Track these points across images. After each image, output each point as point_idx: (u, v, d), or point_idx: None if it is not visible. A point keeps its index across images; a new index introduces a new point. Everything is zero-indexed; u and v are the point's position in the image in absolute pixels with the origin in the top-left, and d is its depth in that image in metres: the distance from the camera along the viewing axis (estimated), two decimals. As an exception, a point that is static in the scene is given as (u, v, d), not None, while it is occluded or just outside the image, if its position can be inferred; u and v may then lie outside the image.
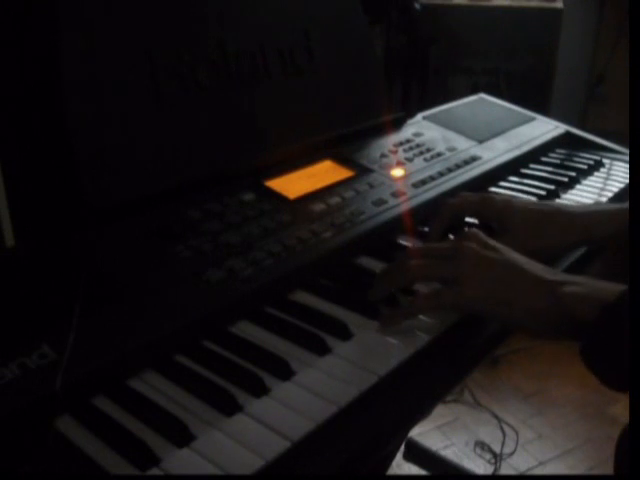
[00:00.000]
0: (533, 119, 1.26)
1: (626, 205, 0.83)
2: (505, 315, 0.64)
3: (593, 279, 0.64)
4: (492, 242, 0.69)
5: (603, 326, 0.58)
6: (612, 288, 0.60)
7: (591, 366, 0.59)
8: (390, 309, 0.67)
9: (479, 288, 0.64)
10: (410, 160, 0.99)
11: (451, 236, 0.81)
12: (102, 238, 0.69)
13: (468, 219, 0.86)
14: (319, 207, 0.82)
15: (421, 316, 0.67)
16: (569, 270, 0.79)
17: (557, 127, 1.24)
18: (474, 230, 0.71)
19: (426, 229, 0.84)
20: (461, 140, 1.09)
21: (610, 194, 1.01)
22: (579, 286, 0.62)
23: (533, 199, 0.94)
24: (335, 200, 0.84)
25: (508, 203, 0.80)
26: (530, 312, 0.63)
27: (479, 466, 1.72)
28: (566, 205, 0.87)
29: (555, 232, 0.78)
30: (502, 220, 0.80)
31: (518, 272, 0.65)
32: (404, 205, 0.87)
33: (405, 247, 0.82)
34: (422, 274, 0.68)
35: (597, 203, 0.96)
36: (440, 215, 0.82)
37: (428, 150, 1.04)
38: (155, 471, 0.48)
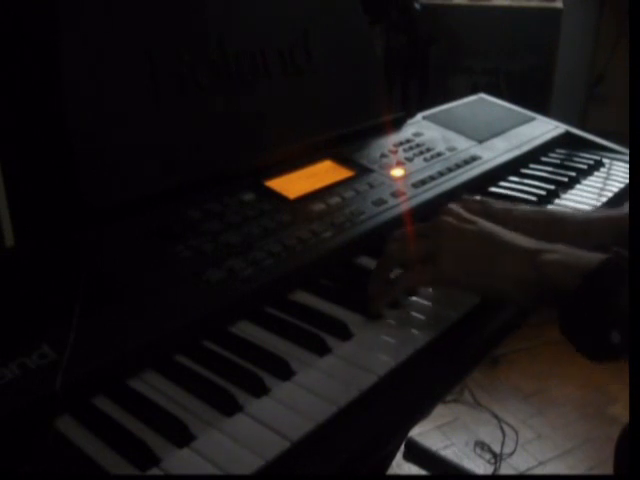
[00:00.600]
0: (533, 119, 1.26)
1: (626, 210, 0.83)
2: (485, 286, 0.65)
3: (572, 248, 0.64)
4: (469, 215, 0.69)
5: (583, 294, 0.58)
6: (593, 257, 0.61)
7: (569, 334, 0.59)
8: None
9: (458, 261, 0.65)
10: (410, 160, 0.99)
11: None
12: (102, 238, 0.69)
13: None
14: (319, 207, 0.82)
15: (421, 316, 0.67)
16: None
17: (557, 127, 1.24)
18: (451, 205, 0.71)
19: None
20: (461, 140, 1.09)
21: (610, 194, 1.01)
22: (559, 254, 0.62)
23: (534, 206, 0.94)
24: (335, 200, 0.84)
25: (508, 212, 0.80)
26: (510, 281, 0.63)
27: (479, 466, 1.72)
28: (565, 212, 0.87)
29: (553, 240, 0.78)
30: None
31: (497, 242, 0.65)
32: (404, 205, 0.87)
33: None
34: (403, 255, 0.68)
35: (597, 209, 0.96)
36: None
37: (428, 150, 1.04)
38: (155, 471, 0.48)
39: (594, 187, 1.04)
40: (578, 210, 0.94)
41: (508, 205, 0.81)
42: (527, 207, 0.84)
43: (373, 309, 0.67)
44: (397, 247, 0.68)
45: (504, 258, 0.64)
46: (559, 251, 0.63)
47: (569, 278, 0.59)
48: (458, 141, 1.09)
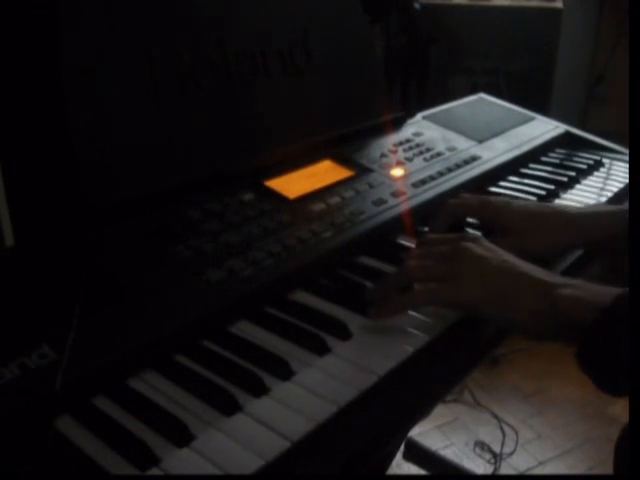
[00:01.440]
0: (533, 119, 1.26)
1: (625, 206, 0.83)
2: (500, 316, 0.64)
3: (590, 283, 0.64)
4: (490, 244, 0.69)
5: (599, 329, 0.58)
6: (609, 291, 0.60)
7: (587, 369, 0.59)
8: (383, 302, 0.67)
9: (475, 287, 0.64)
10: (410, 160, 0.99)
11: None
12: (102, 238, 0.69)
13: (469, 219, 0.86)
14: (319, 207, 0.82)
15: (421, 316, 0.67)
16: (567, 272, 0.79)
17: (557, 127, 1.24)
18: (473, 232, 0.71)
19: (426, 229, 0.84)
20: (461, 140, 1.09)
21: (610, 194, 1.01)
22: (576, 289, 0.62)
23: (533, 200, 0.94)
24: (335, 200, 0.84)
25: (507, 205, 0.80)
26: (526, 314, 0.63)
27: (479, 466, 1.72)
28: (565, 206, 0.87)
29: (553, 234, 0.78)
30: (501, 222, 0.80)
31: (515, 274, 0.65)
32: (404, 205, 0.87)
33: (405, 247, 0.82)
34: (420, 274, 0.68)
35: (596, 204, 0.96)
36: (440, 216, 0.82)
37: (428, 150, 1.04)
38: (155, 471, 0.48)
39: (594, 187, 1.04)
40: (580, 206, 0.95)
41: (507, 199, 0.82)
42: (526, 201, 0.84)
43: (375, 315, 0.66)
44: (414, 264, 0.68)
45: (521, 290, 0.64)
46: (577, 286, 0.63)
47: (586, 313, 0.59)
48: (458, 141, 1.09)
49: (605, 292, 0.61)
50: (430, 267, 0.67)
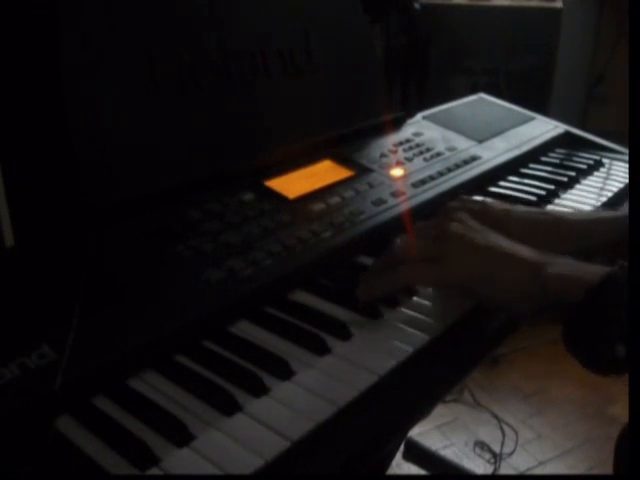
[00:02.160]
0: (533, 119, 1.26)
1: (625, 212, 0.83)
2: (487, 294, 0.65)
3: (577, 261, 0.64)
4: (476, 224, 0.69)
5: (586, 307, 0.58)
6: (597, 270, 0.60)
7: (573, 347, 0.59)
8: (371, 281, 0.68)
9: (462, 266, 0.65)
10: (410, 160, 0.99)
11: None
12: (102, 238, 0.69)
13: None
14: (319, 207, 0.82)
15: (421, 315, 0.67)
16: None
17: (557, 127, 1.25)
18: (460, 213, 0.71)
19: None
20: (461, 140, 1.10)
21: (610, 194, 1.01)
22: (563, 266, 0.62)
23: (532, 208, 0.94)
24: (335, 200, 0.84)
25: (507, 212, 0.80)
26: (512, 292, 0.63)
27: (479, 466, 1.72)
28: (564, 214, 0.87)
29: (553, 241, 0.78)
30: (502, 228, 0.80)
31: (501, 253, 0.65)
32: (404, 205, 0.87)
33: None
34: (407, 254, 0.68)
35: (596, 210, 0.96)
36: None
37: (428, 150, 1.04)
38: (155, 471, 0.48)
39: (594, 187, 1.04)
40: (579, 211, 0.95)
41: (507, 206, 0.81)
42: (527, 208, 0.83)
43: (364, 297, 0.67)
44: (402, 244, 0.69)
45: (508, 269, 0.64)
46: (563, 264, 0.63)
47: (573, 291, 0.59)
48: (458, 141, 1.09)
49: (593, 270, 0.61)
50: (417, 247, 0.68)
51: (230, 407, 0.53)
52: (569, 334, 0.59)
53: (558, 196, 1.00)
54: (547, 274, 0.62)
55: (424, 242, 0.68)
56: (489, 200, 0.83)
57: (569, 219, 0.81)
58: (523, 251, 0.66)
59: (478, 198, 0.85)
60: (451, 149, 1.05)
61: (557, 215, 0.83)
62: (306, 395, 0.55)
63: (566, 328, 0.59)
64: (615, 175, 1.09)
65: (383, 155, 0.99)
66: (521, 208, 0.82)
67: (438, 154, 1.03)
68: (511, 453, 1.75)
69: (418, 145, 1.05)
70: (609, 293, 0.58)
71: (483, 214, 0.82)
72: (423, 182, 0.94)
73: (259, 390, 0.55)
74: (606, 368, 0.57)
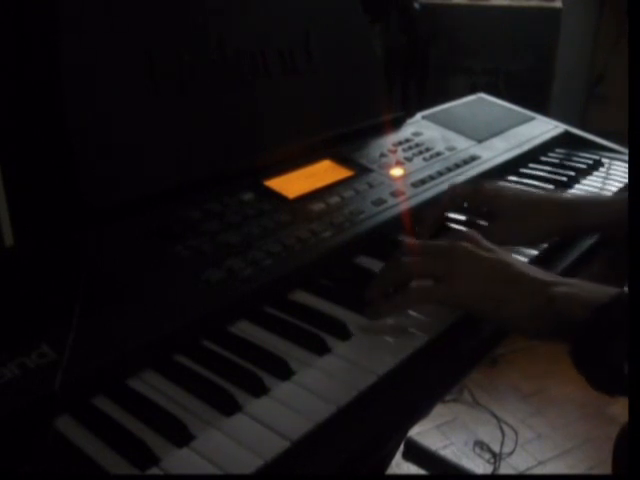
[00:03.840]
0: (532, 119, 1.26)
1: (621, 196, 0.83)
2: (494, 313, 0.64)
3: (585, 282, 0.64)
4: (486, 243, 0.69)
5: (594, 327, 0.58)
6: (605, 290, 0.60)
7: (581, 367, 0.59)
8: (379, 301, 0.67)
9: (470, 285, 0.64)
10: (409, 160, 0.99)
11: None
12: (102, 238, 0.69)
13: (455, 215, 0.87)
14: (318, 207, 0.82)
15: (421, 316, 0.67)
16: (567, 271, 0.79)
17: (556, 127, 1.25)
18: (470, 231, 0.71)
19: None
20: (460, 140, 1.10)
21: (609, 194, 1.02)
22: (571, 287, 0.62)
23: (523, 187, 0.94)
24: (334, 200, 0.84)
25: (500, 191, 0.82)
26: (520, 311, 0.63)
27: (478, 466, 1.72)
28: (556, 192, 0.88)
29: (541, 218, 0.80)
30: (492, 207, 0.82)
31: (510, 272, 0.65)
32: (403, 205, 0.87)
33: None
34: (415, 271, 0.68)
35: (592, 193, 0.97)
36: (433, 207, 0.83)
37: (427, 150, 1.04)
38: (155, 471, 0.48)
39: (593, 187, 1.04)
40: (572, 193, 0.95)
41: (497, 186, 0.83)
42: (516, 187, 0.85)
43: (373, 317, 0.66)
44: (409, 261, 0.68)
45: (517, 287, 0.64)
46: (572, 284, 0.63)
47: (581, 310, 0.59)
48: (457, 141, 1.09)
49: (601, 291, 0.61)
50: (424, 263, 0.67)
51: (230, 407, 0.53)
52: (577, 353, 0.59)
53: (558, 196, 1.00)
54: (555, 293, 0.62)
55: (432, 260, 0.67)
56: (481, 181, 0.84)
57: (558, 198, 0.83)
58: (534, 270, 0.66)
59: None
60: (451, 149, 1.05)
61: (543, 194, 0.85)
62: (306, 395, 0.55)
63: (574, 347, 0.59)
64: (614, 175, 1.09)
65: (383, 155, 0.99)
66: (511, 188, 0.84)
67: (438, 154, 1.03)
68: (511, 453, 1.75)
69: (418, 145, 1.05)
70: (617, 312, 0.57)
71: (476, 194, 0.83)
72: (423, 182, 0.94)
73: (259, 390, 0.55)
74: (615, 388, 0.57)
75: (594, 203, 0.82)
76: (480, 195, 0.83)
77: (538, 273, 0.65)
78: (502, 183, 0.83)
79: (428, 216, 0.84)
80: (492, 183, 0.83)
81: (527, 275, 0.65)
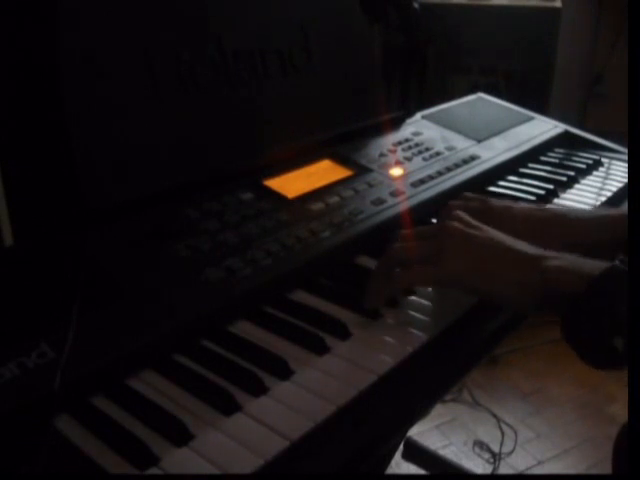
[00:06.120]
0: (532, 118, 1.26)
1: (625, 210, 0.83)
2: (487, 289, 0.64)
3: (576, 256, 0.64)
4: (475, 222, 0.69)
5: (586, 299, 0.58)
6: (597, 264, 0.60)
7: (571, 339, 0.59)
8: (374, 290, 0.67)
9: (461, 263, 0.65)
10: (409, 159, 0.99)
11: None
12: (101, 238, 0.69)
13: None
14: (318, 206, 0.82)
15: (420, 315, 0.67)
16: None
17: (556, 126, 1.25)
18: (458, 211, 0.71)
19: None
20: (460, 139, 1.10)
21: (609, 193, 1.02)
22: (563, 260, 0.62)
23: (533, 205, 0.94)
24: (334, 199, 0.84)
25: (509, 210, 0.80)
26: (513, 285, 0.63)
27: (478, 465, 1.72)
28: (564, 210, 0.88)
29: (552, 237, 0.79)
30: (502, 225, 0.81)
31: (501, 248, 0.65)
32: (403, 204, 0.87)
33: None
34: (406, 255, 0.68)
35: (596, 208, 0.96)
36: (441, 217, 0.82)
37: (427, 149, 1.04)
38: (154, 470, 0.48)
39: (593, 186, 1.04)
40: (580, 209, 0.95)
41: (508, 203, 0.81)
42: (527, 204, 0.84)
43: (370, 304, 0.67)
44: (400, 246, 0.68)
45: (508, 263, 0.64)
46: (563, 258, 0.63)
47: (573, 283, 0.59)
48: (457, 140, 1.09)
49: (593, 265, 0.61)
50: (418, 247, 0.68)
51: (229, 407, 0.53)
52: (568, 325, 0.59)
53: (557, 196, 1.00)
54: (547, 266, 0.62)
55: (422, 242, 0.68)
56: (490, 198, 0.83)
57: (567, 216, 0.82)
58: (524, 246, 0.66)
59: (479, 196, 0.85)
60: (450, 149, 1.05)
61: (557, 212, 0.83)
62: (305, 395, 0.55)
63: (565, 319, 0.59)
64: (614, 175, 1.09)
65: (382, 155, 0.99)
66: (522, 204, 0.83)
67: (437, 154, 1.03)
68: (510, 452, 1.75)
69: (417, 145, 1.05)
70: (609, 285, 0.58)
71: (484, 211, 0.82)
72: (422, 182, 0.94)
73: (258, 390, 0.55)
74: (604, 361, 0.57)
75: (604, 219, 0.82)
76: (490, 211, 0.81)
77: (529, 248, 0.66)
78: (509, 202, 0.82)
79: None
80: (501, 202, 0.82)
81: (518, 250, 0.65)
